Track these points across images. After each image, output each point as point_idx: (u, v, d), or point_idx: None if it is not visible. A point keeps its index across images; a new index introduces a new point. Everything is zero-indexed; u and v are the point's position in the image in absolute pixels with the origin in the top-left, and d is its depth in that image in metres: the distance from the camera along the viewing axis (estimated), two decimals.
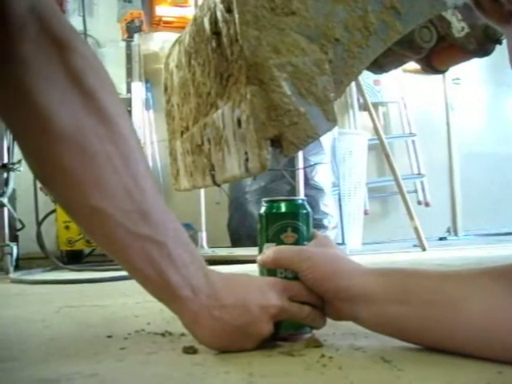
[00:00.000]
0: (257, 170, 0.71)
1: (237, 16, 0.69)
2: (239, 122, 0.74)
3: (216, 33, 0.81)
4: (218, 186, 0.94)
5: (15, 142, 0.72)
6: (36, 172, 0.70)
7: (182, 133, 1.11)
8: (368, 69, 0.95)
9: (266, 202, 0.77)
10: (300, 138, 0.70)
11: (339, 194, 3.13)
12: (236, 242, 3.08)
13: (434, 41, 1.22)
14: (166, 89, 1.20)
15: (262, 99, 0.70)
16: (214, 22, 0.80)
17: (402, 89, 4.09)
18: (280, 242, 0.75)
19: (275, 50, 0.69)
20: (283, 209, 0.76)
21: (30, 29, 0.65)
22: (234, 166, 0.79)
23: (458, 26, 1.25)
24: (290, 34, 0.69)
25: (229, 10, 0.74)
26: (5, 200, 2.34)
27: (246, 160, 0.73)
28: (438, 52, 1.34)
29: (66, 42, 0.67)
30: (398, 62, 1.31)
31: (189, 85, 1.00)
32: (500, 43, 1.30)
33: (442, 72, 1.45)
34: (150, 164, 3.47)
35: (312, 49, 0.70)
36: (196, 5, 3.07)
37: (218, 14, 0.77)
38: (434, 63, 1.40)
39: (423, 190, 4.10)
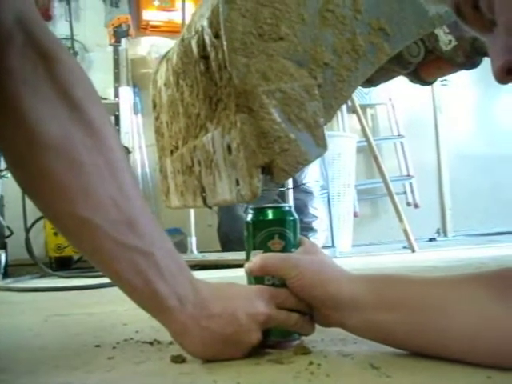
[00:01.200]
0: (248, 197, 0.70)
1: (225, 43, 0.69)
2: (229, 148, 0.74)
3: (204, 56, 0.80)
4: (210, 207, 0.94)
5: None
6: (22, 183, 0.69)
7: (171, 151, 1.10)
8: None
9: (253, 209, 0.77)
10: (291, 165, 0.69)
11: (328, 197, 3.13)
12: (226, 247, 3.07)
13: (422, 55, 1.22)
14: (154, 106, 1.19)
15: (251, 127, 0.69)
16: (202, 45, 0.79)
17: (390, 91, 4.09)
18: (267, 249, 0.75)
19: (264, 77, 0.69)
20: (270, 216, 0.76)
21: (16, 40, 0.65)
22: (225, 190, 0.78)
23: (446, 40, 1.25)
24: (279, 59, 0.69)
25: (216, 36, 0.73)
26: None
27: (237, 187, 0.73)
28: (425, 65, 1.35)
29: (51, 53, 0.68)
30: (387, 77, 1.32)
31: (177, 104, 0.99)
32: (487, 55, 1.30)
33: (431, 83, 1.46)
34: (139, 169, 3.47)
35: (301, 74, 0.69)
36: (183, 9, 3.05)
37: (206, 38, 0.76)
38: (421, 76, 1.40)
39: (412, 191, 4.11)
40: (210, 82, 0.80)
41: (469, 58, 1.28)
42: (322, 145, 0.71)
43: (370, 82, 1.36)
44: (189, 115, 0.94)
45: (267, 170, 0.70)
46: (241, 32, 0.69)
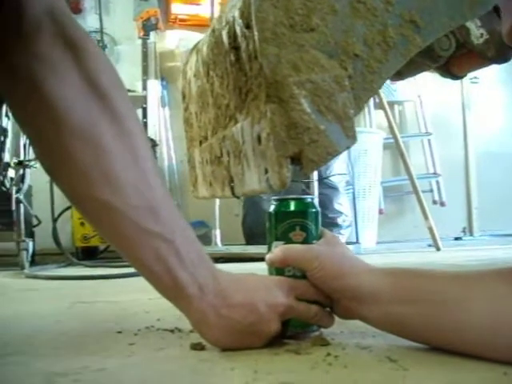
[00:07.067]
0: (277, 187, 0.70)
1: (256, 33, 0.69)
2: (259, 138, 0.74)
3: (235, 47, 0.80)
4: (238, 197, 0.94)
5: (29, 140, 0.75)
6: (48, 167, 0.71)
7: (200, 142, 1.10)
8: None
9: (276, 200, 0.78)
10: (320, 156, 0.69)
11: (353, 193, 3.12)
12: (250, 240, 3.08)
13: (453, 49, 1.21)
14: (184, 96, 1.19)
15: (281, 117, 0.69)
16: (232, 36, 0.80)
17: (419, 87, 4.06)
18: (288, 241, 0.75)
19: (295, 68, 0.68)
20: (292, 207, 0.76)
21: (45, 29, 0.68)
22: (254, 180, 0.79)
23: (477, 33, 1.24)
24: (310, 50, 0.69)
25: (248, 26, 0.74)
26: (21, 196, 2.35)
27: (267, 177, 0.73)
28: (456, 58, 1.32)
29: (79, 43, 0.70)
30: (417, 71, 1.30)
31: (207, 95, 0.99)
32: None
33: (461, 77, 1.44)
34: (166, 161, 3.49)
35: (331, 65, 0.69)
36: (212, 3, 3.06)
37: (237, 29, 0.77)
38: (452, 70, 1.38)
39: (439, 189, 4.07)
40: (240, 72, 0.80)
41: (500, 51, 1.26)
42: (351, 136, 0.70)
43: (400, 75, 1.34)
44: (218, 106, 0.94)
45: (296, 160, 0.70)
46: (272, 22, 0.69)
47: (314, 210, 0.77)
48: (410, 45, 0.73)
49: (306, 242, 0.75)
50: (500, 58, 1.31)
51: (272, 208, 0.77)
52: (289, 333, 0.74)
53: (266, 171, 0.72)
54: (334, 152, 0.69)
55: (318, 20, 0.70)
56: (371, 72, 0.71)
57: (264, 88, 0.69)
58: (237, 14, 0.76)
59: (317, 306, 0.73)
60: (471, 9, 0.74)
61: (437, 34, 0.75)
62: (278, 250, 0.74)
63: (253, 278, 0.74)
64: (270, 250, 0.77)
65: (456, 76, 1.43)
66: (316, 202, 0.78)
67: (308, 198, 0.78)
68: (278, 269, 0.76)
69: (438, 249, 2.87)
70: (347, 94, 0.69)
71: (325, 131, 0.68)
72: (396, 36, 0.72)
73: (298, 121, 0.68)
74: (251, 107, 0.76)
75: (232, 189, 0.92)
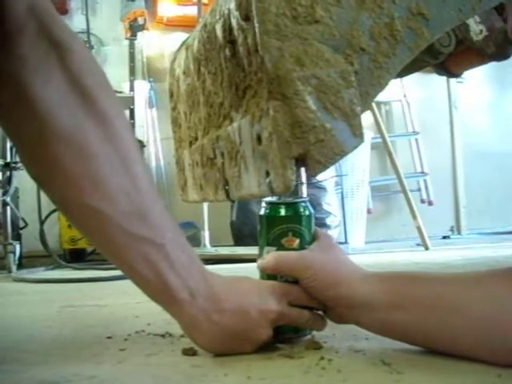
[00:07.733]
0: (280, 190, 0.68)
1: (257, 25, 0.66)
2: (259, 138, 0.71)
3: (230, 41, 0.77)
4: (233, 201, 0.92)
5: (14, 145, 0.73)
6: (34, 173, 0.70)
7: (190, 143, 1.06)
8: None
9: (267, 203, 0.76)
10: (326, 156, 0.67)
11: (342, 193, 3.12)
12: (239, 241, 3.07)
13: (453, 45, 1.20)
14: (171, 95, 1.15)
15: (285, 115, 0.66)
16: (228, 29, 0.77)
17: (405, 87, 4.06)
18: (280, 247, 0.74)
19: (298, 62, 0.66)
20: (284, 212, 0.74)
21: (28, 29, 0.66)
22: (253, 183, 0.76)
23: (477, 29, 1.23)
24: (314, 43, 0.66)
25: (246, 18, 0.71)
26: (8, 199, 2.33)
27: (268, 180, 0.70)
28: (454, 55, 1.32)
29: (64, 43, 0.68)
30: (415, 68, 1.29)
31: (198, 93, 0.96)
32: None
33: (458, 75, 1.44)
34: (153, 162, 3.47)
35: (337, 59, 0.67)
36: (199, 3, 3.04)
37: (233, 22, 0.74)
38: (449, 67, 1.38)
39: (426, 188, 4.07)
40: (236, 68, 0.77)
41: (500, 48, 1.25)
42: (358, 135, 0.69)
43: (399, 73, 1.33)
44: (211, 104, 0.92)
45: (301, 162, 0.67)
46: (274, 13, 0.66)
47: (307, 213, 0.75)
48: (418, 39, 0.71)
49: (299, 247, 0.74)
50: (500, 55, 1.30)
51: (263, 211, 0.75)
52: (281, 337, 0.73)
53: (268, 174, 0.69)
54: (341, 152, 0.67)
55: (322, 11, 0.67)
56: (378, 67, 0.69)
57: (265, 84, 0.67)
58: (233, 5, 0.73)
59: (309, 310, 0.73)
60: (480, 1, 0.72)
61: (445, 27, 0.73)
62: (271, 257, 0.73)
63: (245, 283, 0.74)
64: (261, 254, 0.76)
65: (453, 74, 1.42)
66: (309, 204, 0.76)
67: (301, 201, 0.75)
68: (270, 275, 0.75)
69: (427, 248, 2.88)
70: (354, 90, 0.67)
71: (331, 130, 0.66)
72: (403, 29, 0.70)
73: (303, 119, 0.65)
74: (250, 105, 0.73)
75: (227, 192, 0.89)
